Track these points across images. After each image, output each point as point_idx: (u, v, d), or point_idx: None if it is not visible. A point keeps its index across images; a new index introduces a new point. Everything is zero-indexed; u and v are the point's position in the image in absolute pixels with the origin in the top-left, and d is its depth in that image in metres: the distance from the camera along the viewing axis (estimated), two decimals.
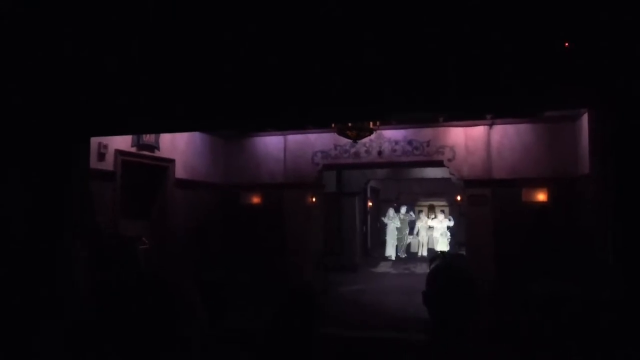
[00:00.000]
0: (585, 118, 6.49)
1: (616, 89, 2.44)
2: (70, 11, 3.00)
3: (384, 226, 15.17)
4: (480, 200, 7.52)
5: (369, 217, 15.43)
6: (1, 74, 3.03)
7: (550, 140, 7.25)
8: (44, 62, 3.12)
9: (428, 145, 7.88)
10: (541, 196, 7.21)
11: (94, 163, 5.25)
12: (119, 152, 5.93)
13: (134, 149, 6.27)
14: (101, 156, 5.66)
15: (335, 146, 8.24)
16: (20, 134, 3.22)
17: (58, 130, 3.37)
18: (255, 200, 8.53)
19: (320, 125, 7.83)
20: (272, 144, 8.59)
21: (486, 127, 7.59)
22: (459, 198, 14.34)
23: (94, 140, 5.24)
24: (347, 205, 12.54)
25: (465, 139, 7.69)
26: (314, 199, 8.72)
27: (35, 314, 2.93)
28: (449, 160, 7.77)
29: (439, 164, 8.11)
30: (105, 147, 5.70)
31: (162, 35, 3.00)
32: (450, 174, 8.14)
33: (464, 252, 8.47)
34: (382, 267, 13.02)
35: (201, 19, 2.93)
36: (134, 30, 3.03)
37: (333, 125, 6.81)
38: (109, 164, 5.79)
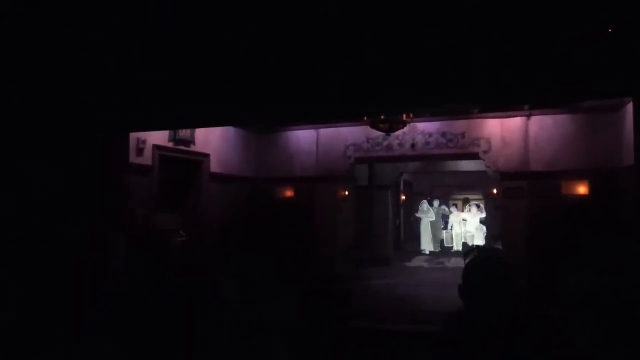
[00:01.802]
0: (629, 107, 6.22)
1: None
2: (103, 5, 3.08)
3: (417, 220, 15.03)
4: (517, 193, 7.33)
5: (401, 210, 15.32)
6: (39, 72, 3.17)
7: (591, 130, 6.99)
8: (78, 62, 3.23)
9: (462, 137, 7.74)
10: (581, 189, 6.96)
11: (132, 158, 5.43)
12: (156, 147, 6.10)
13: (170, 144, 6.44)
14: (139, 151, 5.84)
15: (368, 139, 8.20)
16: (59, 130, 3.37)
17: (94, 126, 3.51)
18: (287, 193, 8.60)
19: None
20: (304, 138, 8.63)
21: (523, 118, 7.38)
22: (494, 191, 14.03)
23: (133, 136, 5.41)
24: (379, 198, 12.47)
25: (502, 130, 7.50)
26: (345, 193, 8.72)
27: (75, 302, 3.07)
28: (485, 152, 7.60)
29: (474, 156, 7.95)
30: (144, 142, 5.87)
31: (181, 35, 3.05)
32: (486, 166, 7.97)
33: (499, 247, 8.30)
34: (415, 261, 12.91)
35: (221, 19, 2.96)
36: (169, 30, 3.10)
37: (365, 118, 6.79)
38: (147, 158, 5.97)
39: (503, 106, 6.82)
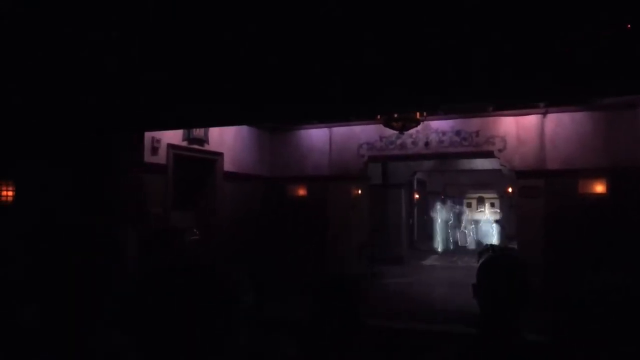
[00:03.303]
0: None
1: None
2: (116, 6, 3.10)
3: (431, 219, 14.95)
4: (533, 192, 7.24)
5: (415, 209, 15.25)
6: (39, 72, 3.20)
7: (609, 128, 6.86)
8: (77, 61, 3.26)
9: (477, 136, 7.66)
10: (598, 188, 6.85)
11: (147, 157, 5.48)
12: (170, 146, 6.16)
13: (184, 143, 6.49)
14: (154, 150, 5.90)
15: (381, 138, 8.17)
16: (73, 129, 3.42)
17: (108, 125, 3.55)
18: (301, 192, 8.62)
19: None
20: (317, 137, 8.63)
21: (539, 116, 7.28)
22: (509, 190, 13.88)
23: (148, 135, 5.46)
24: (392, 197, 12.43)
25: (517, 128, 7.41)
26: (359, 191, 8.70)
27: (89, 300, 3.12)
28: (500, 150, 7.52)
29: (489, 154, 7.87)
30: (158, 141, 5.93)
31: (181, 35, 3.06)
32: (501, 165, 7.89)
33: (514, 246, 8.21)
34: (429, 260, 12.85)
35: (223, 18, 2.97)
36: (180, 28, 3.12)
37: (379, 116, 6.76)
38: (161, 157, 6.03)
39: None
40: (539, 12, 2.38)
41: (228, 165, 7.44)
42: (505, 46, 2.49)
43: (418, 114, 6.53)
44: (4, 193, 3.69)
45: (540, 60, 2.46)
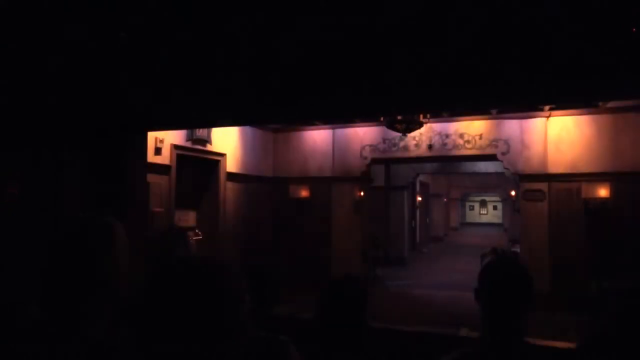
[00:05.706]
0: None
1: None
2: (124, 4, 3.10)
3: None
4: (536, 196, 7.21)
5: (417, 211, 15.23)
6: (54, 74, 3.20)
7: (614, 132, 6.83)
8: (93, 60, 3.26)
9: (480, 139, 7.64)
10: (603, 192, 6.82)
11: (151, 157, 5.49)
12: (174, 147, 6.16)
13: (188, 144, 6.50)
14: (157, 150, 5.90)
15: (384, 140, 8.16)
16: (76, 130, 3.43)
17: (113, 124, 3.55)
18: (304, 193, 8.61)
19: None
20: (320, 138, 8.63)
21: (543, 119, 7.26)
22: (513, 193, 13.86)
23: (151, 135, 5.47)
24: (395, 199, 12.41)
25: (521, 131, 7.39)
26: (361, 193, 8.70)
27: (88, 295, 3.11)
28: (503, 154, 7.50)
29: (492, 157, 7.85)
30: (162, 141, 5.94)
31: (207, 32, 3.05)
32: (504, 168, 7.87)
33: (517, 250, 8.17)
34: (431, 262, 12.81)
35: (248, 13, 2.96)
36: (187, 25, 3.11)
37: (382, 118, 6.75)
38: (165, 157, 6.03)
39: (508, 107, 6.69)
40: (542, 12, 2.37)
41: (231, 165, 7.45)
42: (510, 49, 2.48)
43: (421, 116, 6.52)
44: (8, 191, 3.70)
45: (541, 60, 2.45)
